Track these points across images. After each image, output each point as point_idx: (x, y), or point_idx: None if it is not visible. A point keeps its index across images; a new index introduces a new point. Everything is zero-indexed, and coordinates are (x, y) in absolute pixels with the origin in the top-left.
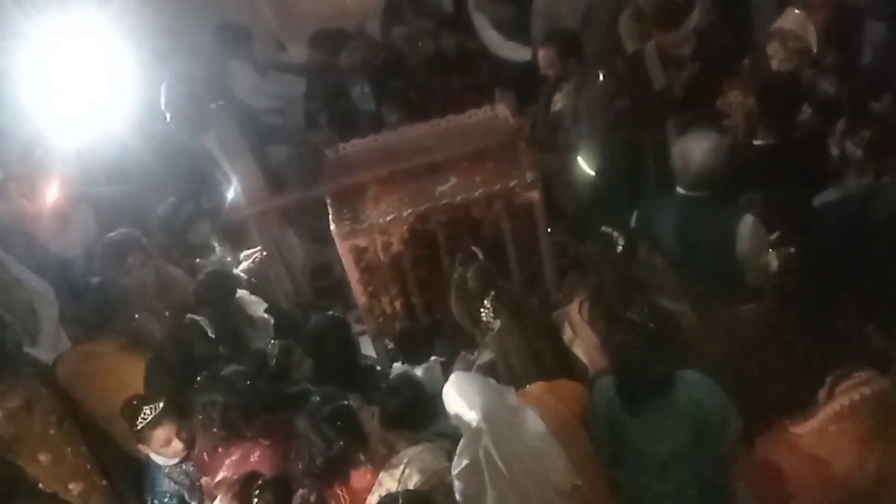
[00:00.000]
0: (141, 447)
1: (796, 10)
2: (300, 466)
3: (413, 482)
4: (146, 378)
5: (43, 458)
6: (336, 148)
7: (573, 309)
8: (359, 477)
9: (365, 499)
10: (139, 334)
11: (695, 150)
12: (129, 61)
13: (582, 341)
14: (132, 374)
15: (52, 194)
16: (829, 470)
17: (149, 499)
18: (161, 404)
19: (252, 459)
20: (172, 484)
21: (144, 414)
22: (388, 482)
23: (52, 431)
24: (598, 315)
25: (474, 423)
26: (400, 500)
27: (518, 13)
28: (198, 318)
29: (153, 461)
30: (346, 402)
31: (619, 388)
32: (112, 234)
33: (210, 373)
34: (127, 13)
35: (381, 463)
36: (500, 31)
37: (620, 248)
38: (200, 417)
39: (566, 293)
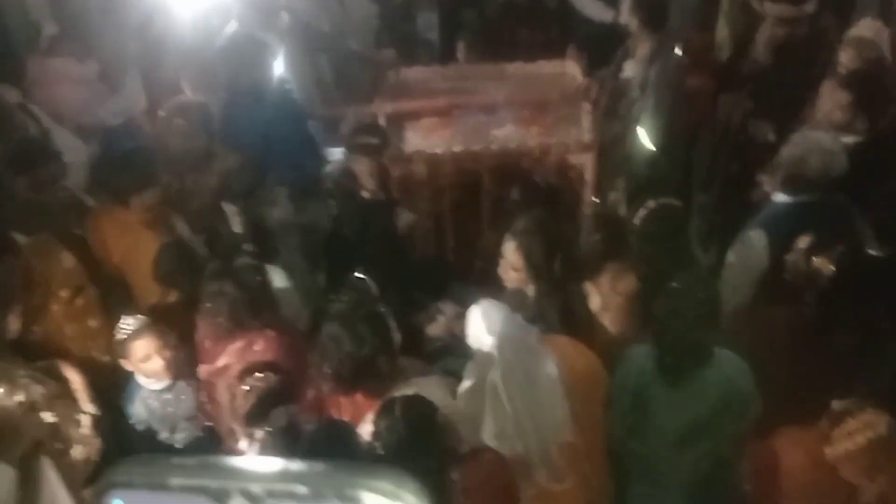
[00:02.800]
0: (122, 362)
1: (874, 20)
2: (324, 369)
3: None
4: (156, 260)
5: (35, 328)
6: (398, 71)
7: (605, 279)
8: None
9: (365, 414)
10: (165, 214)
11: (817, 149)
12: None
13: (610, 311)
14: (147, 252)
15: (107, 60)
16: (829, 477)
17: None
18: (143, 317)
19: (255, 348)
20: (143, 409)
21: (125, 325)
22: None
23: (54, 307)
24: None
25: (486, 349)
26: (398, 402)
27: None
28: (226, 206)
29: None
30: (379, 308)
31: (661, 357)
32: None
33: (222, 262)
34: None
35: (388, 383)
36: None
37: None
38: (208, 305)
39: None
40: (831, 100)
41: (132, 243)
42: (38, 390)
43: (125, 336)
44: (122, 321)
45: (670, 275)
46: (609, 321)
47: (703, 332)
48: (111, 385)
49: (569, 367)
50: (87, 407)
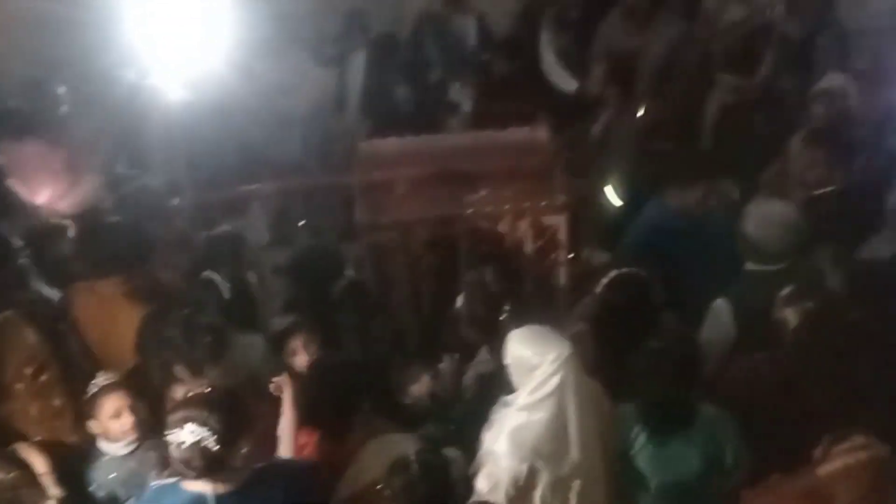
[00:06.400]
0: (90, 423)
1: (837, 73)
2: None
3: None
4: (139, 332)
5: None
6: (371, 142)
7: None
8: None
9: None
10: (145, 284)
11: (773, 217)
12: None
13: None
14: (127, 324)
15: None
16: None
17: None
18: (115, 376)
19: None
20: (106, 476)
21: (97, 380)
22: (371, 460)
23: (18, 385)
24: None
25: (554, 363)
26: (414, 460)
27: (577, 45)
28: (213, 275)
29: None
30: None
31: (646, 416)
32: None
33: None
34: None
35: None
36: (558, 57)
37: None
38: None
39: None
40: (805, 158)
41: (112, 316)
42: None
43: (96, 391)
44: (92, 381)
45: (632, 342)
46: None
47: (684, 390)
48: (78, 465)
49: (598, 398)
50: (53, 491)
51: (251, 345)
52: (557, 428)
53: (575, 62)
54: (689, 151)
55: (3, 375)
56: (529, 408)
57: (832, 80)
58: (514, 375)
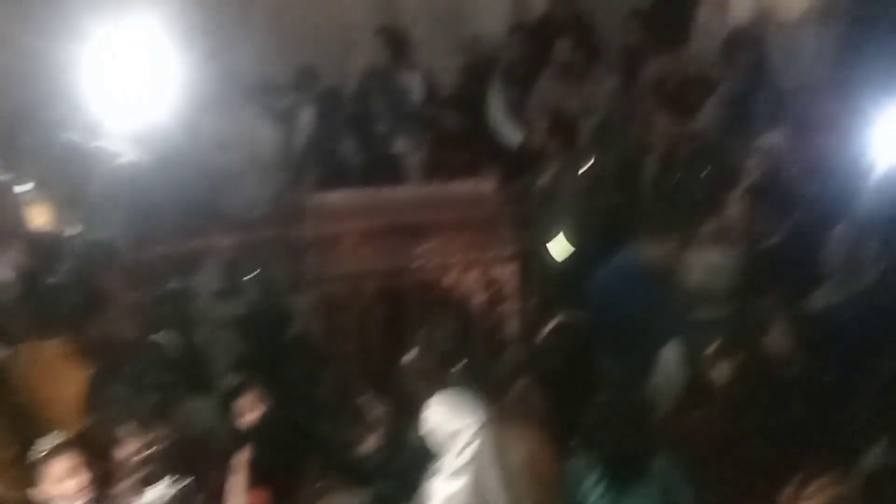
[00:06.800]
0: (36, 490)
1: (776, 130)
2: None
3: None
4: (86, 390)
5: None
6: (319, 195)
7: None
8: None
9: None
10: (91, 344)
11: (713, 265)
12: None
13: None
14: (72, 384)
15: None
16: None
17: None
18: (60, 436)
19: None
20: None
21: (40, 445)
22: None
23: None
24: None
25: (473, 429)
26: None
27: (522, 99)
28: (162, 334)
29: None
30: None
31: (602, 467)
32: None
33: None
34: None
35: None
36: (506, 111)
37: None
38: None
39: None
40: (744, 212)
41: (56, 377)
42: None
43: (42, 454)
44: (38, 442)
45: (577, 389)
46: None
47: (637, 442)
48: None
49: (533, 451)
50: None
51: (200, 407)
52: (480, 496)
53: (522, 116)
54: (633, 206)
55: None
56: (455, 474)
57: (770, 139)
58: (437, 443)
